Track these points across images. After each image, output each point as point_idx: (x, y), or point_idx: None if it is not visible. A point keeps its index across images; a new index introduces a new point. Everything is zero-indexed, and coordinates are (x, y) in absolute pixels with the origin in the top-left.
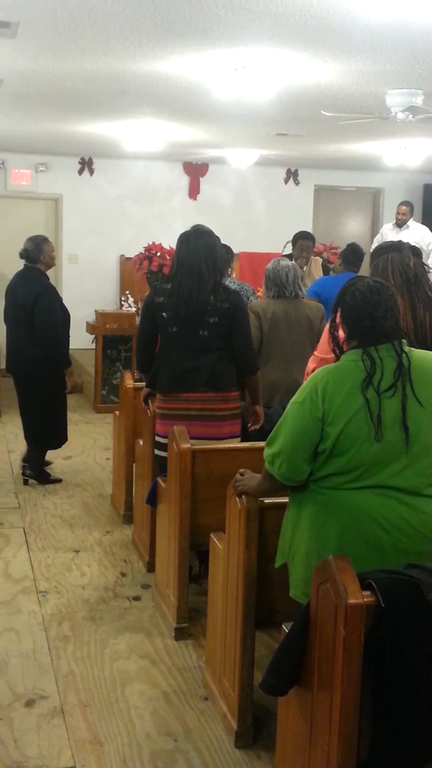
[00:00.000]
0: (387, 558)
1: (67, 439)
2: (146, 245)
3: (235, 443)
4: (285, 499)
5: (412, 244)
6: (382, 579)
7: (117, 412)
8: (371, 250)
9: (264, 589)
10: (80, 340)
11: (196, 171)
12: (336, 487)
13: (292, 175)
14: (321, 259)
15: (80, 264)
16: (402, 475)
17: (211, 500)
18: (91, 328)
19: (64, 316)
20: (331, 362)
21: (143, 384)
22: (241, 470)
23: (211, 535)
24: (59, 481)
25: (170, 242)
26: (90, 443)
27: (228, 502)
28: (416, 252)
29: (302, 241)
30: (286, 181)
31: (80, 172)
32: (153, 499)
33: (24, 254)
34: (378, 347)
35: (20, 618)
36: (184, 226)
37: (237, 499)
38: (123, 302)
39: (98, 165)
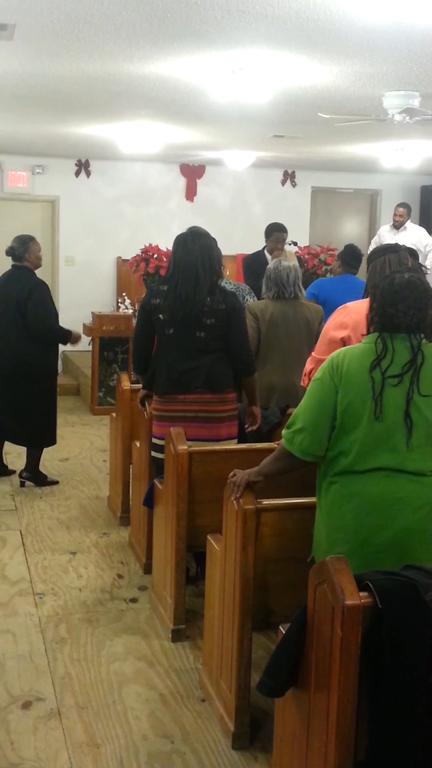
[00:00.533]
0: (405, 540)
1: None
2: (143, 247)
3: (232, 445)
4: (283, 501)
5: (409, 245)
6: (379, 580)
7: (114, 414)
8: (368, 252)
9: (261, 590)
10: None
11: (193, 173)
12: (345, 470)
13: (289, 176)
14: (295, 248)
15: (77, 266)
16: (408, 458)
17: (208, 502)
18: (87, 330)
19: (55, 311)
20: None
21: (140, 386)
22: (232, 472)
23: (208, 537)
24: (56, 483)
25: (167, 244)
26: (87, 445)
27: (225, 503)
28: (413, 254)
29: (276, 233)
30: (283, 182)
31: (77, 174)
32: (150, 500)
33: (10, 252)
34: (394, 336)
35: (17, 620)
36: (181, 228)
37: (234, 500)
38: (120, 304)
39: (95, 167)
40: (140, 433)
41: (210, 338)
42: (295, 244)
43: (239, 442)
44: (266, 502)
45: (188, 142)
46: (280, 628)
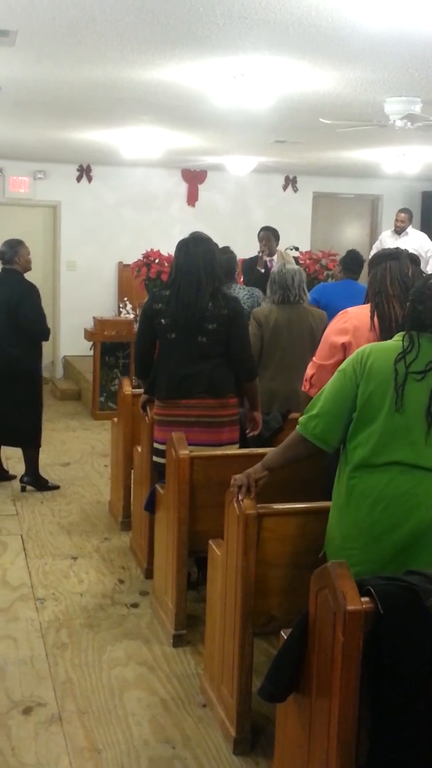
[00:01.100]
0: (421, 536)
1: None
2: (144, 252)
3: (234, 450)
4: (284, 506)
5: (411, 251)
6: (381, 585)
7: (115, 419)
8: (369, 258)
9: (262, 595)
10: (78, 346)
11: (194, 178)
12: (362, 464)
13: (290, 182)
14: (296, 253)
15: (78, 271)
16: (425, 454)
17: (210, 507)
18: (89, 334)
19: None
20: (330, 368)
21: (141, 391)
22: (232, 479)
23: (210, 542)
24: (57, 487)
25: (169, 249)
26: (88, 450)
27: (226, 508)
28: (414, 260)
29: (262, 232)
30: (285, 188)
31: (78, 179)
32: (151, 505)
33: None
34: (421, 334)
35: (18, 625)
36: (183, 233)
37: (235, 505)
38: (121, 309)
39: (97, 172)
40: (142, 438)
41: (212, 343)
42: (297, 249)
43: (241, 447)
44: (268, 507)
45: (190, 148)
46: (282, 633)
